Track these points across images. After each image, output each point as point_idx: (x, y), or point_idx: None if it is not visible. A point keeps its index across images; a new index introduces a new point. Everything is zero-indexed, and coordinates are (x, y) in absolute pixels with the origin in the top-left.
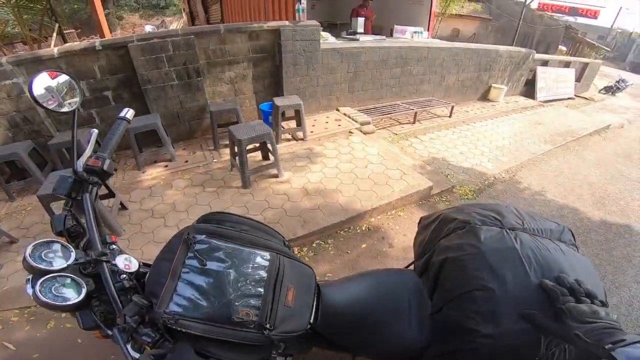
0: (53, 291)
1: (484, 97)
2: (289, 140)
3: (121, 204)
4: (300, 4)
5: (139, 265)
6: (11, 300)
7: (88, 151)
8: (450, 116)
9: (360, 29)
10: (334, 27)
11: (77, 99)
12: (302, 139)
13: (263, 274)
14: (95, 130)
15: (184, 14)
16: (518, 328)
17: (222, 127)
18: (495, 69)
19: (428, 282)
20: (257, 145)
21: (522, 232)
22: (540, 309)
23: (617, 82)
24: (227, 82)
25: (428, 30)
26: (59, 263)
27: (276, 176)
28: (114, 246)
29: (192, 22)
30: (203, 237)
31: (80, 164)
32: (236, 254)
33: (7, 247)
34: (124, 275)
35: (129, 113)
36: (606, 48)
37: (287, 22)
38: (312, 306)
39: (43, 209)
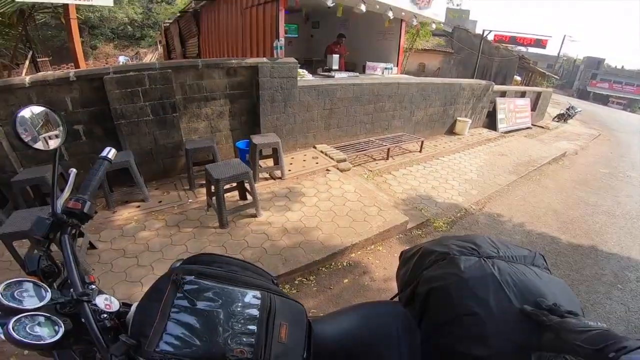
0: (28, 330)
1: (451, 130)
2: (266, 179)
3: (90, 243)
4: (279, 41)
5: (119, 305)
6: None
7: (67, 192)
8: (420, 151)
9: (335, 66)
10: (310, 64)
11: (59, 135)
12: (280, 178)
13: (255, 312)
14: (74, 170)
15: (159, 47)
16: (509, 348)
17: (198, 166)
18: (460, 102)
19: (415, 312)
20: (235, 184)
21: (499, 260)
22: (526, 331)
23: (568, 109)
24: (204, 118)
25: (397, 65)
26: (32, 303)
27: (254, 216)
28: (93, 286)
29: (168, 56)
30: (192, 277)
31: (59, 205)
32: (227, 293)
33: None
34: (105, 315)
35: (110, 153)
36: (555, 76)
37: (265, 59)
38: (305, 342)
39: (2, 247)
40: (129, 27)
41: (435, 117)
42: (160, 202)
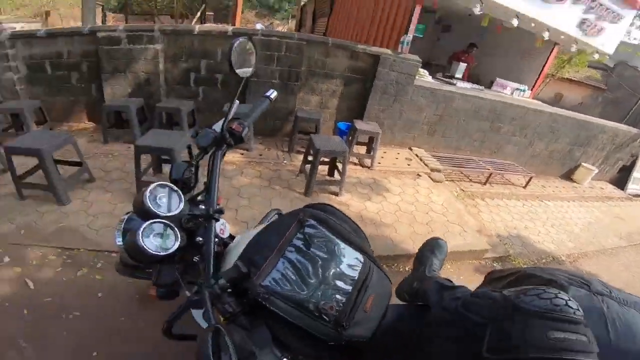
0: (151, 238)
1: (568, 175)
2: (354, 164)
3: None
4: (407, 36)
5: (229, 233)
6: (59, 239)
7: (230, 116)
8: (525, 187)
9: (459, 75)
10: (429, 67)
11: (250, 68)
12: (369, 167)
13: (354, 274)
14: (237, 101)
15: (290, 21)
16: None
17: (301, 134)
18: (593, 146)
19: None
20: (329, 159)
21: (610, 299)
22: None
23: None
24: (318, 93)
25: (532, 89)
26: (164, 210)
27: (336, 194)
28: (221, 206)
29: (298, 30)
30: (314, 222)
31: (222, 126)
32: (337, 247)
33: (84, 185)
34: (217, 240)
35: (273, 94)
36: None
37: (388, 51)
38: (381, 318)
39: (126, 158)
40: None
41: (556, 156)
42: (261, 155)
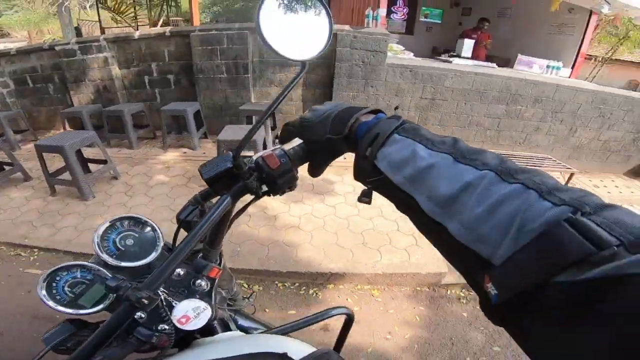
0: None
1: (638, 172)
2: None
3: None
4: (379, 10)
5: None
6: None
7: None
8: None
9: (467, 53)
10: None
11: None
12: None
13: None
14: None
15: None
16: None
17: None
18: None
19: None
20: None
21: None
22: None
23: None
24: (277, 84)
25: (573, 68)
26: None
27: None
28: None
29: None
30: None
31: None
32: None
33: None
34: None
35: None
36: None
37: (347, 27)
38: None
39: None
40: None
41: (615, 147)
42: (204, 153)
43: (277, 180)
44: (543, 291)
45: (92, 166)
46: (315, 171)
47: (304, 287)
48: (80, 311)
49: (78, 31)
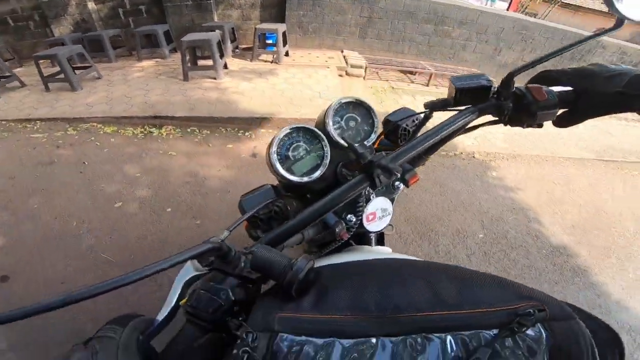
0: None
1: None
2: (265, 61)
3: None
4: None
5: None
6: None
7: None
8: None
9: None
10: None
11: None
12: (276, 62)
13: None
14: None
15: None
16: None
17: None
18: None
19: None
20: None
21: None
22: None
23: None
24: (237, 7)
25: (510, 3)
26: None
27: (214, 78)
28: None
29: None
30: None
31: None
32: None
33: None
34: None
35: None
36: None
37: None
38: None
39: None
40: None
41: (538, 68)
42: (173, 60)
43: (537, 112)
44: None
45: (78, 72)
46: (572, 120)
47: (242, 131)
48: (291, 177)
49: None
